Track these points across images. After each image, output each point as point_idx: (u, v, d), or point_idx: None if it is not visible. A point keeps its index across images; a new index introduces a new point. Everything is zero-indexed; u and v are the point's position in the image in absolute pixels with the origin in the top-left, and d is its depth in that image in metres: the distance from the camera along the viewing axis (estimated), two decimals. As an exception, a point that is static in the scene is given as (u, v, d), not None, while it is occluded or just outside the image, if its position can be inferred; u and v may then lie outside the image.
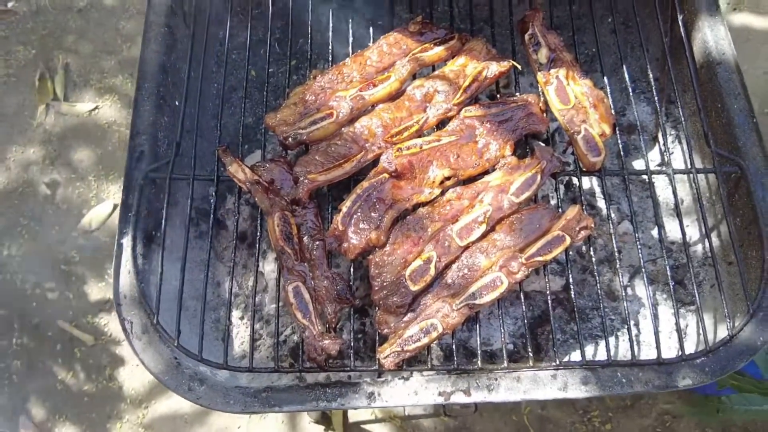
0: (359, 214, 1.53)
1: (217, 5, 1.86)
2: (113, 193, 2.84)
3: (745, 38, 3.13)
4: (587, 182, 1.99)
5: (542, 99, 1.72)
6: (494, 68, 1.71)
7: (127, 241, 1.54)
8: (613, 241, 1.61)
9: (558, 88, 1.70)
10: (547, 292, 1.56)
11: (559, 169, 1.62)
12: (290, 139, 1.61)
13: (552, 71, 1.72)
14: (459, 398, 1.43)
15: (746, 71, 1.78)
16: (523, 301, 1.55)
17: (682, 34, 1.82)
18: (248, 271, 1.85)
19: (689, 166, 1.70)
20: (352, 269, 1.58)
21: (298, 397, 1.43)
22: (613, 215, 1.93)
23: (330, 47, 1.83)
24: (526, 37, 1.78)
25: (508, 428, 2.40)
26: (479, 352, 1.51)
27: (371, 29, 1.87)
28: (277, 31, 2.08)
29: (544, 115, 1.70)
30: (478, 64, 1.72)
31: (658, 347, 1.48)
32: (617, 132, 1.70)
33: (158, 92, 1.72)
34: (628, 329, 1.54)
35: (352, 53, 1.78)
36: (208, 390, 1.44)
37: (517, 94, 1.76)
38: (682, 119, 1.76)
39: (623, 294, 1.61)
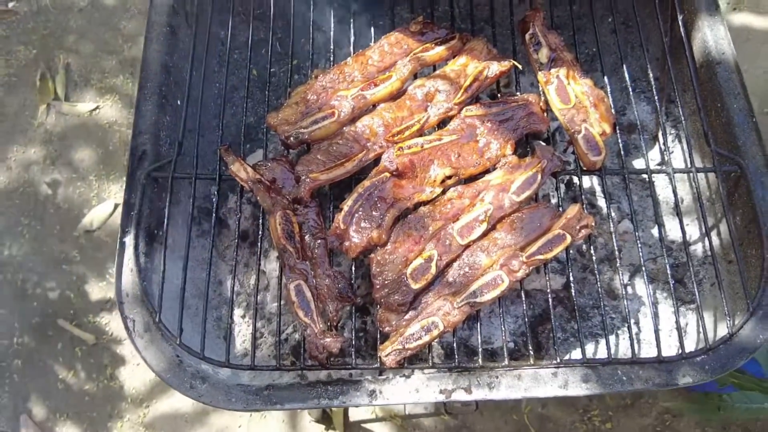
0: (360, 212, 1.54)
1: (219, 5, 1.86)
2: (114, 193, 2.84)
3: (745, 38, 3.14)
4: (587, 181, 2.00)
5: (543, 98, 1.73)
6: (495, 68, 1.72)
7: (129, 240, 1.54)
8: (614, 240, 1.62)
9: (558, 87, 1.71)
10: (548, 291, 1.56)
11: (560, 168, 1.63)
12: (292, 138, 1.62)
13: (552, 71, 1.73)
14: (460, 396, 1.44)
15: (746, 71, 1.79)
16: (523, 299, 1.55)
17: (682, 34, 1.83)
18: (250, 270, 1.85)
19: (689, 166, 1.70)
20: (353, 268, 1.59)
21: (300, 395, 1.44)
22: (613, 214, 1.94)
23: (331, 47, 1.83)
24: (527, 36, 1.79)
25: (508, 427, 2.41)
26: (480, 350, 1.51)
27: (372, 29, 1.88)
28: (279, 31, 2.09)
29: (545, 114, 1.71)
30: (479, 63, 1.73)
31: (658, 345, 1.48)
32: (617, 131, 1.71)
33: (160, 92, 1.73)
34: (629, 327, 1.54)
35: (354, 53, 1.78)
36: (210, 388, 1.44)
37: (518, 93, 1.76)
38: (682, 118, 1.76)
39: (623, 292, 1.62)
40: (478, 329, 1.54)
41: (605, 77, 1.80)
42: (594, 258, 1.61)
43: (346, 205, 1.54)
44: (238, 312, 1.83)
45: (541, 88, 1.76)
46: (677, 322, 1.52)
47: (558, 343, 1.56)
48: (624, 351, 1.79)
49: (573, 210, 1.56)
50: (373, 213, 1.54)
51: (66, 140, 2.94)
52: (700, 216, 1.65)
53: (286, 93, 1.74)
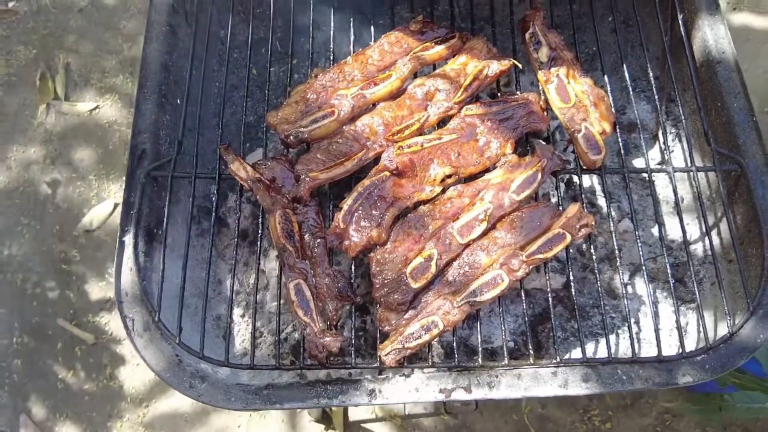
0: (360, 211, 1.53)
1: (219, 4, 1.86)
2: (114, 193, 2.84)
3: (745, 38, 3.14)
4: (587, 180, 2.00)
5: (543, 97, 1.73)
6: (495, 67, 1.72)
7: (128, 239, 1.54)
8: (614, 239, 1.62)
9: (558, 86, 1.70)
10: (548, 290, 1.56)
11: (560, 168, 1.63)
12: (291, 137, 1.61)
13: (552, 70, 1.73)
14: (460, 395, 1.43)
15: (746, 70, 1.78)
16: (523, 298, 1.55)
17: (682, 33, 1.83)
18: (249, 269, 1.85)
19: (689, 165, 1.70)
20: (353, 267, 1.59)
21: (299, 395, 1.44)
22: (613, 213, 1.94)
23: (331, 46, 1.83)
24: (527, 35, 1.79)
25: (508, 427, 2.40)
26: (480, 349, 1.51)
27: (372, 28, 1.87)
28: (279, 30, 2.09)
29: (545, 113, 1.70)
30: (478, 62, 1.73)
31: (658, 345, 1.48)
32: (617, 130, 1.71)
33: (160, 91, 1.72)
34: (629, 327, 1.54)
35: (354, 52, 1.78)
36: (209, 387, 1.44)
37: (518, 92, 1.76)
38: (682, 118, 1.76)
39: (624, 292, 1.61)
40: (478, 328, 1.54)
41: (605, 76, 1.79)
42: (594, 257, 1.61)
43: (346, 204, 1.54)
44: (237, 311, 1.83)
45: (541, 87, 1.76)
46: (677, 321, 1.52)
47: (558, 343, 1.55)
48: (624, 350, 1.79)
49: (573, 209, 1.55)
50: (373, 212, 1.53)
51: (66, 140, 2.94)
52: (701, 215, 1.65)
53: (286, 92, 1.74)
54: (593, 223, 1.55)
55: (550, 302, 1.54)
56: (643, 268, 1.57)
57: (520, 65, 1.78)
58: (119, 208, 1.61)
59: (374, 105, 1.69)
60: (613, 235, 1.62)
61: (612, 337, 1.78)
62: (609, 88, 1.76)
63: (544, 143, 1.65)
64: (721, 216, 1.76)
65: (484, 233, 1.54)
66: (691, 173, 1.68)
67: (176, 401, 2.47)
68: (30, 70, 3.06)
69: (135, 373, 2.53)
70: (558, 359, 1.47)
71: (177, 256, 1.61)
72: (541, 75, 1.75)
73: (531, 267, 1.50)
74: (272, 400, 1.43)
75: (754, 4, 3.24)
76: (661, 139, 1.98)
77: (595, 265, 1.60)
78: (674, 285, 1.59)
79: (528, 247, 1.52)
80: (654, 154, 2.04)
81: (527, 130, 1.68)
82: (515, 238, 1.53)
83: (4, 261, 2.69)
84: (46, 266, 2.69)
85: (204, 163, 1.80)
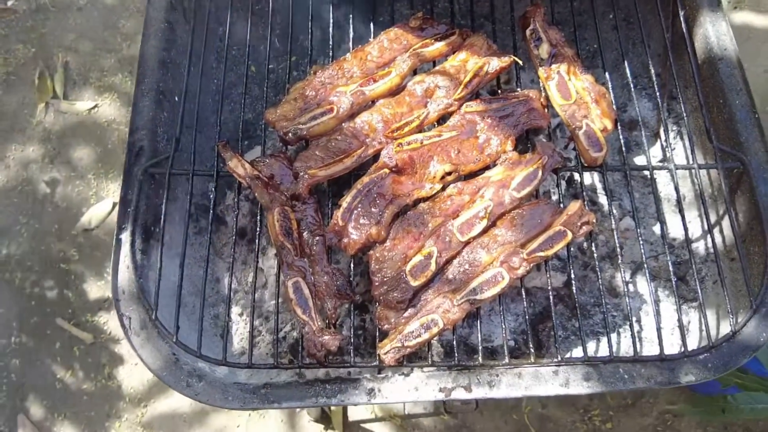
0: (359, 209, 1.52)
1: (218, 1, 1.85)
2: (113, 192, 2.83)
3: (746, 37, 3.13)
4: (588, 178, 1.98)
5: (543, 94, 1.72)
6: (495, 63, 1.70)
7: (125, 237, 1.53)
8: (615, 237, 1.60)
9: (559, 83, 1.69)
10: (549, 289, 1.55)
11: (561, 165, 1.61)
12: (290, 134, 1.60)
13: (553, 66, 1.71)
14: (460, 394, 1.42)
15: (747, 69, 1.77)
16: (524, 297, 1.54)
17: (684, 30, 1.82)
18: (248, 267, 1.84)
19: (691, 162, 1.69)
20: (352, 265, 1.58)
21: (298, 394, 1.42)
22: (614, 211, 1.92)
23: (330, 43, 1.82)
24: (528, 32, 1.78)
25: (508, 427, 2.39)
26: (480, 348, 1.49)
27: (372, 25, 1.86)
28: (277, 27, 2.08)
29: (546, 110, 1.69)
30: (479, 59, 1.71)
31: (660, 343, 1.47)
32: (619, 127, 1.69)
33: (158, 88, 1.71)
34: (630, 325, 1.53)
35: (353, 49, 1.77)
36: (206, 386, 1.43)
37: (519, 89, 1.75)
38: (684, 115, 1.75)
39: (625, 290, 1.60)
40: (478, 327, 1.53)
41: (606, 73, 1.78)
42: (595, 255, 1.60)
43: (345, 201, 1.53)
44: (235, 310, 1.82)
45: (541, 84, 1.75)
46: (679, 319, 1.51)
47: (559, 341, 1.54)
48: (626, 349, 1.77)
49: (574, 206, 1.54)
50: (372, 209, 1.52)
51: (64, 139, 2.92)
52: (702, 213, 1.64)
53: (285, 89, 1.73)
54: (594, 220, 1.54)
55: (551, 301, 1.53)
56: (645, 266, 1.56)
57: (520, 62, 1.76)
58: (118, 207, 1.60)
59: (373, 102, 1.68)
60: (615, 233, 1.61)
61: (613, 336, 1.77)
62: (610, 86, 1.75)
63: (544, 140, 1.64)
64: (723, 214, 1.74)
65: (485, 231, 1.53)
66: (693, 171, 1.67)
67: (175, 401, 2.46)
68: (29, 68, 3.06)
69: (134, 372, 2.52)
70: (559, 358, 1.45)
71: (174, 254, 1.59)
72: (541, 72, 1.73)
73: (532, 265, 1.49)
74: (270, 399, 1.42)
75: (754, 3, 3.23)
76: (663, 137, 1.97)
77: (597, 263, 1.59)
78: (676, 283, 1.57)
79: (529, 244, 1.51)
80: (655, 152, 2.03)
81: (528, 127, 1.67)
82: (516, 236, 1.52)
83: (3, 260, 2.68)
84: (44, 265, 2.68)
85: (202, 161, 1.79)
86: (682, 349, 1.47)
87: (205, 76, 1.76)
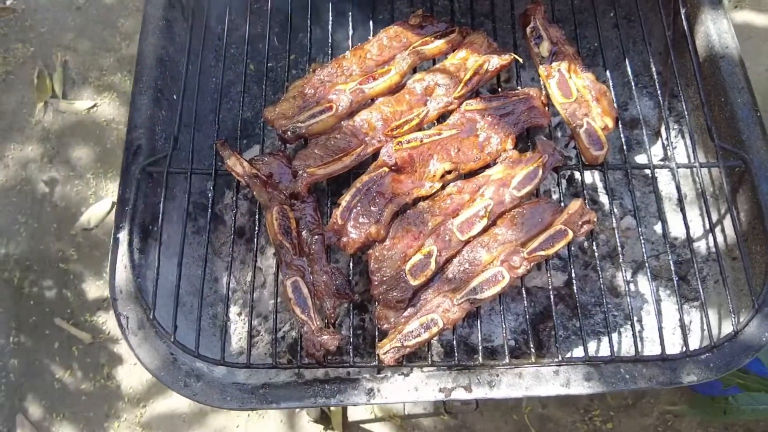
0: (359, 208, 1.51)
1: (216, -1, 1.85)
2: (112, 191, 2.82)
3: (747, 36, 3.12)
4: (589, 177, 1.97)
5: (544, 92, 1.71)
6: (495, 61, 1.69)
7: (123, 236, 1.52)
8: (616, 237, 1.59)
9: (560, 81, 1.68)
10: (549, 288, 1.53)
11: (561, 163, 1.61)
12: (289, 132, 1.59)
13: (554, 64, 1.70)
14: (460, 394, 1.41)
15: (748, 68, 1.77)
16: (524, 296, 1.53)
17: (685, 28, 1.81)
18: (246, 267, 1.83)
19: (692, 161, 1.68)
20: (351, 264, 1.57)
21: (296, 394, 1.41)
22: (615, 210, 1.91)
23: (329, 41, 1.81)
24: (528, 30, 1.76)
25: (508, 427, 2.38)
26: (480, 348, 1.48)
27: (371, 23, 1.85)
28: (276, 25, 2.07)
29: (546, 108, 1.68)
30: (479, 57, 1.70)
31: (662, 343, 1.46)
32: (620, 126, 1.68)
33: (156, 86, 1.70)
34: (632, 325, 1.52)
35: (352, 47, 1.76)
36: (204, 386, 1.42)
37: (519, 87, 1.74)
38: (685, 113, 1.74)
39: (626, 290, 1.59)
40: (479, 327, 1.52)
41: (607, 72, 1.77)
42: (596, 255, 1.59)
43: (344, 200, 1.52)
44: (233, 309, 1.81)
45: (542, 82, 1.74)
46: (681, 319, 1.50)
47: (560, 341, 1.53)
48: (627, 349, 1.76)
49: (575, 205, 1.53)
50: (372, 208, 1.51)
51: (63, 138, 2.92)
52: (704, 212, 1.63)
53: (284, 88, 1.72)
54: (595, 219, 1.53)
55: (552, 300, 1.52)
56: (646, 265, 1.55)
57: (520, 60, 1.75)
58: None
59: (373, 100, 1.67)
60: (616, 232, 1.60)
61: (614, 336, 1.76)
62: (611, 84, 1.74)
63: (545, 139, 1.63)
64: (725, 213, 1.73)
65: (485, 230, 1.52)
66: (695, 169, 1.66)
67: (174, 401, 2.45)
68: (27, 68, 3.05)
69: (132, 372, 2.51)
70: (560, 358, 1.44)
71: (172, 254, 1.58)
72: (542, 70, 1.72)
73: (532, 264, 1.48)
74: (269, 399, 1.41)
75: (755, 3, 3.22)
76: (664, 135, 1.96)
77: (597, 262, 1.58)
78: (677, 283, 1.56)
79: (529, 243, 1.50)
80: (657, 150, 2.02)
81: (528, 126, 1.66)
82: (516, 235, 1.51)
83: (2, 259, 2.67)
84: (43, 265, 2.67)
85: (200, 159, 1.78)
86: (684, 349, 1.46)
87: (203, 75, 1.75)
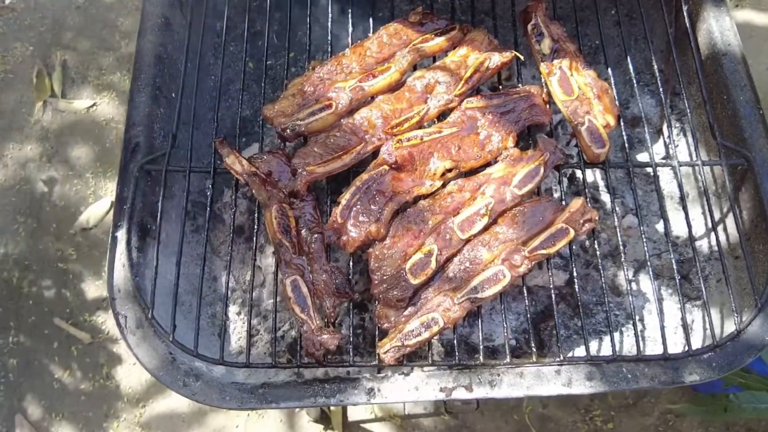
0: (359, 206, 1.50)
1: (215, -4, 1.84)
2: (111, 191, 2.81)
3: (748, 35, 3.12)
4: (591, 175, 1.96)
5: (545, 90, 1.69)
6: (496, 59, 1.68)
7: (121, 234, 1.51)
8: (618, 235, 1.58)
9: (561, 78, 1.67)
10: (551, 287, 1.52)
11: (563, 161, 1.59)
12: (288, 130, 1.58)
13: (555, 62, 1.69)
14: (461, 394, 1.40)
15: (749, 67, 1.76)
16: (525, 295, 1.52)
17: (687, 26, 1.80)
18: (245, 266, 1.82)
19: (694, 159, 1.67)
20: (351, 263, 1.55)
21: (296, 393, 1.40)
22: (617, 209, 1.89)
23: (329, 38, 1.80)
24: (529, 27, 1.75)
25: (509, 427, 2.37)
26: (481, 347, 1.47)
27: (371, 20, 1.84)
28: (276, 23, 2.06)
29: (547, 106, 1.67)
30: (480, 54, 1.69)
31: (664, 342, 1.45)
32: (621, 124, 1.67)
33: (154, 83, 1.69)
34: (634, 324, 1.51)
35: (352, 44, 1.75)
36: (203, 386, 1.41)
37: (520, 85, 1.73)
38: (688, 111, 1.72)
39: (628, 289, 1.57)
40: (479, 326, 1.51)
41: (609, 69, 1.76)
42: (598, 253, 1.58)
43: (344, 198, 1.51)
44: (232, 308, 1.79)
45: (543, 80, 1.73)
46: (683, 318, 1.49)
47: (561, 341, 1.52)
48: (629, 348, 1.75)
49: (576, 203, 1.52)
50: (372, 207, 1.50)
51: (62, 137, 2.91)
52: (706, 210, 1.62)
53: (283, 86, 1.70)
54: (597, 218, 1.52)
55: (553, 299, 1.51)
56: (648, 264, 1.54)
57: (521, 57, 1.74)
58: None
59: (373, 98, 1.66)
60: (617, 230, 1.59)
61: (616, 335, 1.75)
62: (612, 81, 1.72)
63: (546, 137, 1.62)
64: (728, 211, 1.72)
65: (486, 228, 1.51)
66: (697, 167, 1.65)
67: (173, 401, 2.44)
68: (27, 67, 3.04)
69: (132, 372, 2.50)
70: (561, 357, 1.43)
71: (171, 252, 1.57)
72: (543, 67, 1.71)
73: (533, 263, 1.47)
74: (268, 399, 1.40)
75: (756, 1, 3.22)
76: (666, 133, 1.95)
77: (599, 261, 1.56)
78: (680, 282, 1.55)
79: (530, 242, 1.49)
80: (658, 149, 2.01)
81: (529, 124, 1.65)
82: (517, 234, 1.50)
83: (1, 259, 2.67)
84: (42, 265, 2.67)
85: (199, 158, 1.77)
86: (686, 349, 1.45)
87: (202, 72, 1.74)
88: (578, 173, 1.89)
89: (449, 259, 1.49)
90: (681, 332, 1.70)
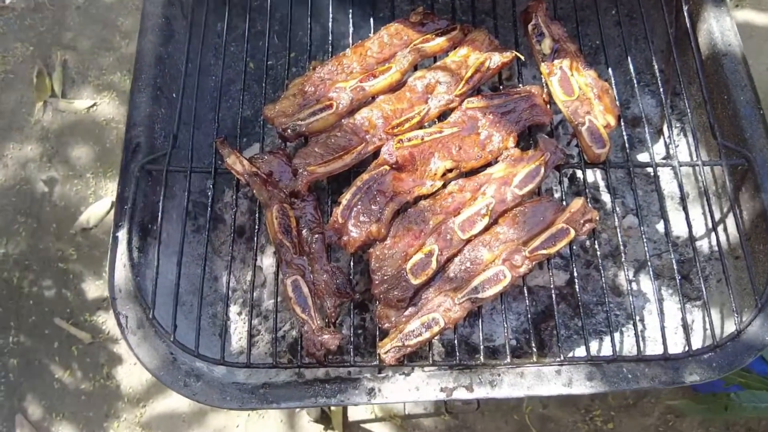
0: (359, 206, 1.50)
1: (215, -4, 1.84)
2: (111, 191, 2.81)
3: (748, 35, 3.12)
4: (591, 175, 1.96)
5: (546, 90, 1.70)
6: (497, 59, 1.68)
7: (122, 235, 1.51)
8: (618, 236, 1.58)
9: (562, 78, 1.67)
10: (551, 287, 1.52)
11: (563, 162, 1.60)
12: (289, 130, 1.58)
13: (556, 62, 1.69)
14: (461, 394, 1.40)
15: (750, 67, 1.76)
16: (526, 296, 1.52)
17: (688, 26, 1.80)
18: (246, 266, 1.82)
19: (695, 159, 1.67)
20: (351, 263, 1.56)
21: (297, 394, 1.40)
22: (617, 209, 1.90)
23: (330, 38, 1.80)
24: (530, 27, 1.75)
25: (509, 427, 2.37)
26: (482, 347, 1.48)
27: (371, 20, 1.84)
28: (276, 23, 2.06)
29: (548, 106, 1.67)
30: (480, 54, 1.69)
31: (664, 343, 1.45)
32: (622, 124, 1.67)
33: (155, 83, 1.69)
34: (634, 324, 1.51)
35: (353, 44, 1.75)
36: (204, 386, 1.41)
37: (520, 85, 1.73)
38: (688, 111, 1.73)
39: (628, 289, 1.57)
40: (480, 326, 1.51)
41: (609, 69, 1.76)
42: (598, 254, 1.58)
43: (345, 198, 1.51)
44: (233, 309, 1.79)
45: (543, 80, 1.73)
46: (683, 318, 1.49)
47: (561, 341, 1.52)
48: (629, 348, 1.75)
49: (577, 203, 1.52)
50: (372, 207, 1.50)
51: (63, 137, 2.91)
52: (707, 210, 1.62)
53: (284, 86, 1.71)
54: (597, 218, 1.52)
55: (554, 299, 1.51)
56: (649, 264, 1.54)
57: (522, 57, 1.74)
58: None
59: (374, 98, 1.66)
60: (618, 231, 1.59)
61: (617, 335, 1.75)
62: (613, 82, 1.73)
63: (547, 137, 1.62)
64: (728, 211, 1.72)
65: (486, 228, 1.51)
66: (697, 168, 1.65)
67: (174, 401, 2.44)
68: (27, 67, 3.04)
69: (132, 372, 2.50)
70: (562, 357, 1.43)
71: (172, 253, 1.57)
72: (544, 67, 1.71)
73: (534, 263, 1.47)
74: (269, 399, 1.40)
75: (756, 2, 3.22)
76: (666, 133, 1.95)
77: (600, 261, 1.57)
78: (680, 282, 1.55)
79: (531, 242, 1.49)
80: (659, 149, 2.01)
81: (530, 124, 1.65)
82: (518, 234, 1.50)
83: (1, 259, 2.67)
84: (42, 265, 2.66)
85: (200, 158, 1.77)
86: (687, 349, 1.45)
87: (202, 72, 1.74)
88: (579, 173, 1.89)
89: (450, 260, 1.49)
90: (681, 332, 1.70)
